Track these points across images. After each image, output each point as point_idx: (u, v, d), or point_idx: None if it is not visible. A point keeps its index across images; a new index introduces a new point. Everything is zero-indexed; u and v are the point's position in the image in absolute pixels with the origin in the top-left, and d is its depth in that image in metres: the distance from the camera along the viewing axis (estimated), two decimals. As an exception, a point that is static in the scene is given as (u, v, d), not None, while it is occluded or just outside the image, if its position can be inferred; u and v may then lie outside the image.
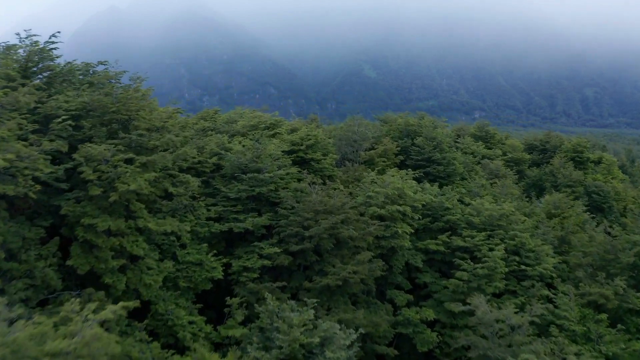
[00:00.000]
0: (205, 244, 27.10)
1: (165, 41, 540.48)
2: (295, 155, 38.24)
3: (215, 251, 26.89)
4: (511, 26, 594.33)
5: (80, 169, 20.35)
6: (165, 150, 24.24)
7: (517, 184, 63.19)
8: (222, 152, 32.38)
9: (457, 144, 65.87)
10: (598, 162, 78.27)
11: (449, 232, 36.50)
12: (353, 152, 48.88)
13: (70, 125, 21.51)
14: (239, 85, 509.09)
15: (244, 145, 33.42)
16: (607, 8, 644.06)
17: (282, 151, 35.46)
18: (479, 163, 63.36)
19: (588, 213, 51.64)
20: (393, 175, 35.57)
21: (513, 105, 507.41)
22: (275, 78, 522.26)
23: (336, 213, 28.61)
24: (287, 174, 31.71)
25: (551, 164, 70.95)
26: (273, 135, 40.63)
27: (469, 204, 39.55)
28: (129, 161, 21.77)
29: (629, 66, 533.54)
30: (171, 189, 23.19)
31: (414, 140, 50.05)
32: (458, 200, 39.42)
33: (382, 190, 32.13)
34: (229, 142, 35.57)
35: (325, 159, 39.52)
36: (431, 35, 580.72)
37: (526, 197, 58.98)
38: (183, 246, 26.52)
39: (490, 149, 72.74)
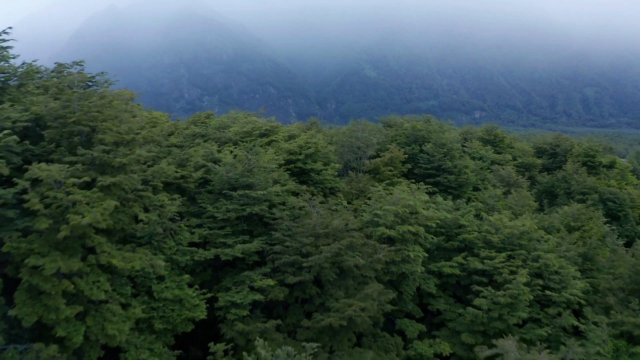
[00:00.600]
0: (186, 275, 23.00)
1: (165, 41, 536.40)
2: (293, 165, 34.18)
3: (197, 285, 22.82)
4: (512, 26, 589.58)
5: (24, 196, 16.30)
6: (139, 165, 20.27)
7: (529, 191, 59.34)
8: (210, 164, 28.31)
9: (464, 148, 61.97)
10: (610, 166, 74.29)
11: (465, 253, 32.53)
12: (356, 159, 44.88)
13: (15, 140, 17.48)
14: (239, 85, 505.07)
15: (235, 156, 29.35)
16: (608, 8, 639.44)
17: (279, 164, 31.47)
18: (488, 169, 59.52)
19: (609, 225, 47.71)
20: (403, 190, 31.49)
21: (513, 105, 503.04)
22: (275, 78, 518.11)
23: (339, 237, 24.55)
24: (284, 190, 27.57)
25: (564, 170, 66.98)
26: (269, 143, 36.56)
27: (484, 220, 35.55)
28: (89, 184, 17.77)
29: (630, 66, 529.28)
30: (142, 216, 19.13)
31: (422, 146, 45.97)
32: (474, 216, 35.40)
33: (391, 208, 28.06)
34: (219, 152, 31.49)
35: (326, 169, 35.48)
36: (432, 34, 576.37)
37: (538, 204, 55.14)
38: (161, 278, 22.49)
39: (499, 153, 68.81)
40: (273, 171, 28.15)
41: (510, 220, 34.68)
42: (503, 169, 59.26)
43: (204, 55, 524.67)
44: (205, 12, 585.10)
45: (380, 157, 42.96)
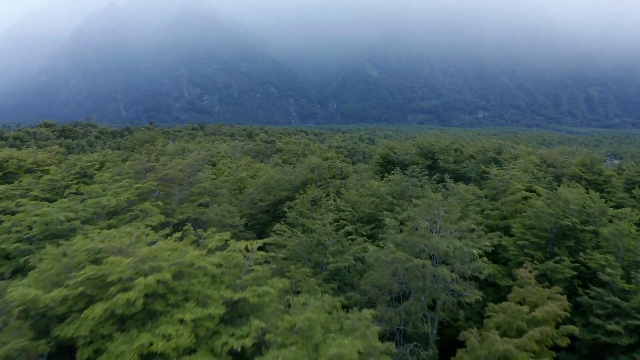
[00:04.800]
0: None
1: (165, 39, 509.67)
2: None
3: None
4: (515, 26, 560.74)
5: None
6: None
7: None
8: None
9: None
10: None
11: None
12: (423, 295, 16.61)
13: None
14: (239, 84, 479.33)
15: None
16: (612, 8, 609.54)
17: None
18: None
19: None
20: None
21: (517, 105, 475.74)
22: (276, 77, 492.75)
23: None
24: None
25: None
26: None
27: None
28: None
29: (634, 66, 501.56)
30: None
31: (576, 254, 18.05)
32: None
33: None
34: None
35: None
36: (434, 34, 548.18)
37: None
38: None
39: (617, 205, 40.48)
40: None
41: None
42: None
43: (204, 54, 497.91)
44: (206, 10, 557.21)
45: (497, 306, 14.79)
